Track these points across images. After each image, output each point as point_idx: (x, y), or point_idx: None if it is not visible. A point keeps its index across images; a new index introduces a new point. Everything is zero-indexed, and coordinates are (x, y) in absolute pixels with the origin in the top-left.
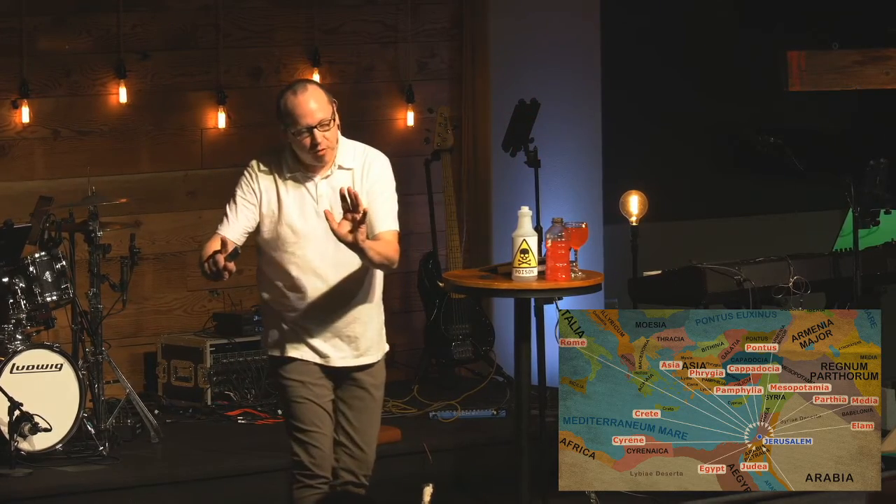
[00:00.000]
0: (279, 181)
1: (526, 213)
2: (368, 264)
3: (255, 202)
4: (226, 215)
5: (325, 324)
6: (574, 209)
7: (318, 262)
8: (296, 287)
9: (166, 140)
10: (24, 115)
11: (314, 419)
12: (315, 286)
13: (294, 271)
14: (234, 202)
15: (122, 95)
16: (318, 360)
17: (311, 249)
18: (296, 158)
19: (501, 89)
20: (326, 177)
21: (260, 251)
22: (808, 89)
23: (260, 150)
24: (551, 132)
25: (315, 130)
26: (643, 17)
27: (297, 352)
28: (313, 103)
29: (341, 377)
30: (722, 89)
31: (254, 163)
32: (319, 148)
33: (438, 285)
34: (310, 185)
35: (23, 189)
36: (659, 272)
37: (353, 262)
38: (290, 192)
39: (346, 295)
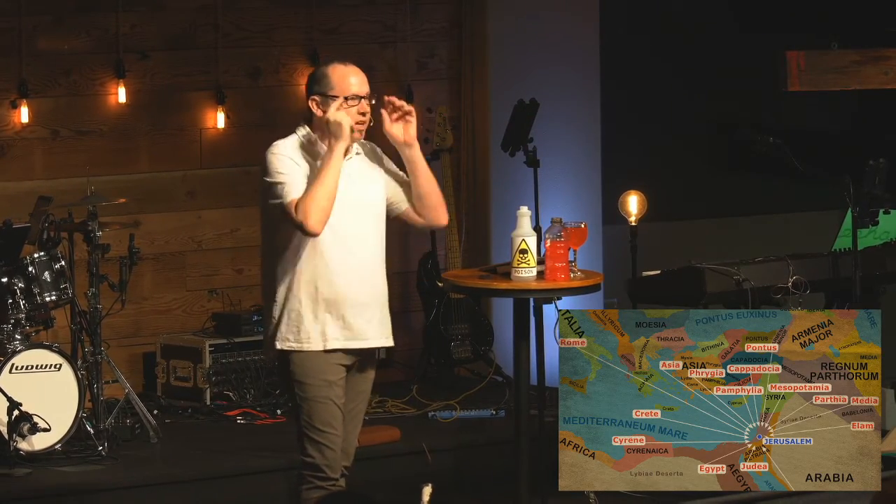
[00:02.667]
0: (311, 163)
1: (525, 212)
2: (424, 187)
3: (298, 168)
4: (283, 185)
5: (369, 300)
6: (573, 209)
7: (360, 238)
8: (343, 265)
9: (165, 140)
10: (23, 114)
11: (332, 420)
12: (358, 262)
13: (340, 249)
14: (284, 172)
15: (121, 95)
16: (358, 343)
17: (353, 226)
18: (322, 141)
19: (500, 89)
20: (349, 159)
21: (288, 240)
22: (807, 89)
23: (270, 141)
24: (550, 132)
25: (363, 100)
26: (642, 17)
27: (339, 341)
28: (362, 74)
29: (355, 369)
30: (721, 89)
31: (279, 146)
32: (366, 118)
33: (437, 285)
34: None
35: (22, 189)
36: (658, 272)
37: (383, 238)
38: None
39: (380, 271)
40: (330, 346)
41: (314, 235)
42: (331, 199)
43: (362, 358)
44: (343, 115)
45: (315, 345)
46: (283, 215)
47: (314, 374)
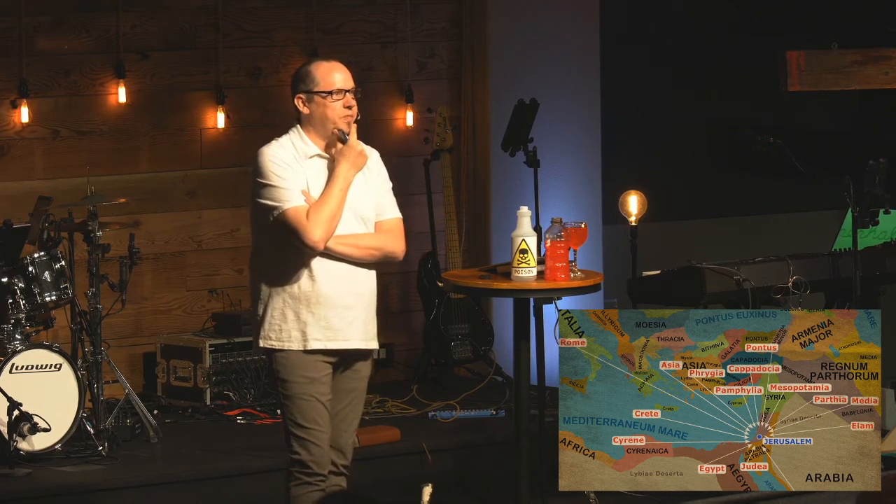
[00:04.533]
0: (302, 163)
1: (525, 212)
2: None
3: (296, 175)
4: (282, 190)
5: (353, 302)
6: (573, 209)
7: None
8: (326, 266)
9: (165, 140)
10: (24, 114)
11: (317, 417)
12: (343, 263)
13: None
14: (283, 177)
15: (122, 95)
16: (340, 345)
17: (339, 227)
18: (311, 139)
19: (501, 89)
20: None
21: (275, 240)
22: (807, 89)
23: (270, 141)
24: (550, 132)
25: (348, 94)
26: (643, 18)
27: (319, 342)
28: (346, 70)
29: (343, 367)
30: (721, 89)
31: (274, 147)
32: (352, 111)
33: (438, 285)
34: (329, 165)
35: (22, 189)
36: (658, 272)
37: None
38: (316, 171)
39: (366, 273)
40: (311, 347)
41: (314, 249)
42: (338, 218)
43: (348, 357)
44: (362, 148)
45: (296, 344)
46: (281, 221)
47: (296, 372)
